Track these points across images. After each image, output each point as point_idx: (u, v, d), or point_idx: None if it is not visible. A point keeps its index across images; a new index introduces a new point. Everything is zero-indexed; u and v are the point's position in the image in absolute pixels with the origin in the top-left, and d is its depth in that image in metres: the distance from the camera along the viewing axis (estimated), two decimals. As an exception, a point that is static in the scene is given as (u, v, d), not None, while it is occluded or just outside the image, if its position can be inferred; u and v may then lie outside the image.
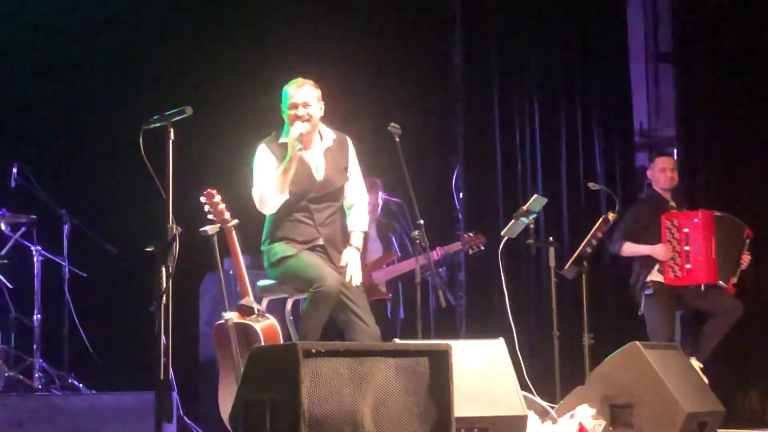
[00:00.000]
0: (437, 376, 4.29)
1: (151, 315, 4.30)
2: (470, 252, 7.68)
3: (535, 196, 6.60)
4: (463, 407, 4.59)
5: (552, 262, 6.62)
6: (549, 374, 6.46)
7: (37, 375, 6.64)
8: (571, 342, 6.82)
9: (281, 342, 5.28)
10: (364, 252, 7.21)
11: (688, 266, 7.03)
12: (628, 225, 7.21)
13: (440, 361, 4.30)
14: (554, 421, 5.45)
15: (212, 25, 8.08)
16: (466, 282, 8.68)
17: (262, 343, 5.12)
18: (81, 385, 6.73)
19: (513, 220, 6.53)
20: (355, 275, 5.56)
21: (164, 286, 4.29)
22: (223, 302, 5.36)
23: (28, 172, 6.92)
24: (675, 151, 8.42)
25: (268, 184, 5.49)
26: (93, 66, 7.74)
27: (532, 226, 6.57)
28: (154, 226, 4.51)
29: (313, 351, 3.99)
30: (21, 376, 6.60)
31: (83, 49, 7.71)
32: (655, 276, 7.12)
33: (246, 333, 5.24)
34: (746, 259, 7.20)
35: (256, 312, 5.31)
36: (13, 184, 6.89)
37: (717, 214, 7.13)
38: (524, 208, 6.52)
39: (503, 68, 8.76)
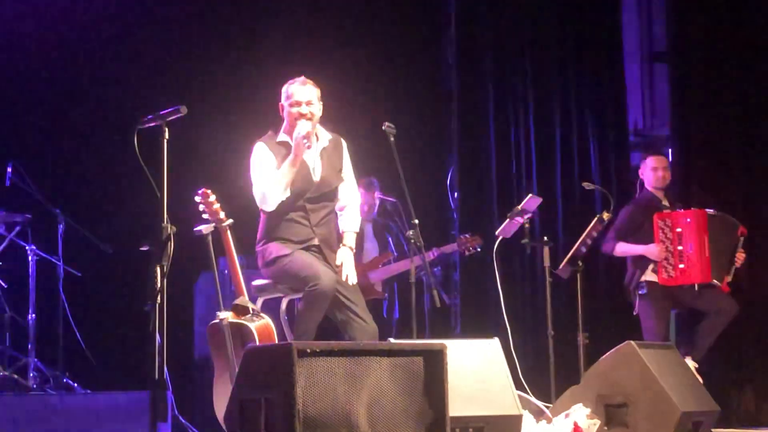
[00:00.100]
0: (432, 376, 4.29)
1: (146, 314, 4.29)
2: (466, 253, 7.70)
3: (530, 195, 6.61)
4: (458, 407, 4.59)
5: (547, 262, 6.63)
6: (544, 374, 6.47)
7: (31, 374, 6.64)
8: (566, 341, 6.82)
9: (276, 341, 5.28)
10: (360, 252, 7.22)
11: (681, 266, 7.03)
12: (620, 225, 7.21)
13: (435, 361, 4.30)
14: (549, 421, 5.45)
15: (207, 24, 8.07)
16: (461, 281, 8.67)
17: (257, 343, 5.12)
18: (76, 384, 6.73)
19: (508, 220, 6.53)
20: (350, 274, 5.58)
21: (159, 285, 4.29)
22: (217, 302, 5.36)
23: (22, 171, 6.91)
24: (670, 150, 8.43)
25: (271, 181, 5.49)
26: (87, 65, 7.73)
27: (527, 225, 6.58)
28: (148, 226, 4.50)
29: (308, 350, 3.99)
30: (15, 376, 6.59)
31: (77, 48, 7.70)
32: (649, 276, 7.12)
33: (241, 332, 5.23)
34: (741, 257, 7.19)
35: (250, 311, 5.31)
36: (7, 183, 6.88)
37: (710, 212, 7.12)
38: (519, 207, 6.53)
39: (498, 68, 8.76)
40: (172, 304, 4.37)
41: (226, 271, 5.83)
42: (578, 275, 6.61)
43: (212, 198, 5.33)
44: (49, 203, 7.01)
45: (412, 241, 5.68)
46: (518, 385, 5.57)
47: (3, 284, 6.85)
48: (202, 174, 6.61)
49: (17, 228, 6.86)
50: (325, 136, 5.70)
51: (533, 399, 5.73)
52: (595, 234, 6.71)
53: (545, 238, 6.72)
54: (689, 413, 5.51)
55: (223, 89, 7.86)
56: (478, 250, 7.64)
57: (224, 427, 4.85)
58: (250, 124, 6.40)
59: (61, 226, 7.01)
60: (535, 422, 5.40)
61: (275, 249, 5.55)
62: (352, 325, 5.48)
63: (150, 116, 4.52)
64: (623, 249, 7.20)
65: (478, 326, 7.89)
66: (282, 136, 5.64)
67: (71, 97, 7.68)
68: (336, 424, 4.00)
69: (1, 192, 6.90)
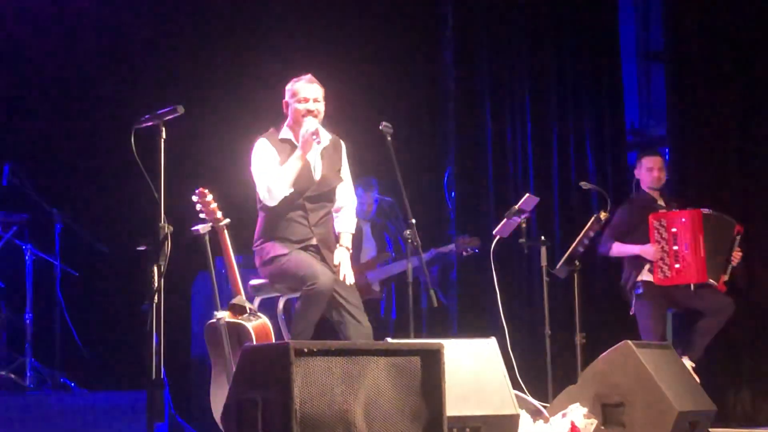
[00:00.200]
0: (429, 376, 4.29)
1: (143, 314, 4.30)
2: (464, 254, 7.70)
3: (527, 195, 6.60)
4: (455, 406, 4.59)
5: (544, 262, 6.62)
6: (541, 373, 6.47)
7: (28, 374, 6.63)
8: (563, 341, 6.82)
9: (273, 341, 5.28)
10: (358, 252, 7.22)
11: (677, 266, 7.04)
12: (616, 226, 7.20)
13: (432, 361, 4.30)
14: (546, 420, 5.46)
15: (204, 24, 8.06)
16: (458, 281, 8.67)
17: (254, 342, 5.12)
18: (73, 383, 6.72)
19: (505, 219, 6.53)
20: (348, 274, 5.59)
21: (156, 285, 4.30)
22: (215, 301, 5.36)
23: (19, 171, 6.91)
24: (667, 150, 8.44)
25: (276, 175, 5.50)
26: (84, 65, 7.72)
27: (524, 225, 6.58)
28: (146, 225, 4.51)
29: (305, 350, 3.99)
30: (12, 375, 6.58)
31: (74, 48, 7.69)
32: (645, 276, 7.13)
33: (238, 332, 5.23)
34: (737, 255, 7.19)
35: (248, 311, 5.31)
36: (4, 183, 6.88)
37: (705, 212, 7.12)
38: (516, 207, 6.53)
39: (495, 68, 8.76)
40: (169, 303, 4.38)
41: (223, 271, 5.82)
42: (575, 275, 6.61)
43: (209, 197, 5.33)
44: (46, 203, 7.01)
45: (409, 240, 5.68)
46: (515, 385, 5.57)
47: (0, 284, 6.84)
48: (199, 173, 6.61)
49: (14, 228, 6.85)
50: (325, 136, 5.70)
51: (530, 398, 5.73)
52: (592, 234, 6.72)
53: (542, 237, 6.71)
54: (686, 413, 5.51)
55: (220, 89, 7.85)
56: (477, 251, 7.65)
57: (221, 426, 4.85)
58: (247, 124, 6.40)
59: (58, 225, 7.00)
60: (532, 422, 5.40)
61: (273, 248, 5.55)
62: (347, 325, 5.49)
63: (147, 116, 4.52)
64: (619, 249, 7.20)
65: (475, 326, 7.89)
66: (284, 134, 5.64)
67: (68, 98, 7.66)
68: (333, 423, 4.00)
69: (-2, 192, 6.91)
